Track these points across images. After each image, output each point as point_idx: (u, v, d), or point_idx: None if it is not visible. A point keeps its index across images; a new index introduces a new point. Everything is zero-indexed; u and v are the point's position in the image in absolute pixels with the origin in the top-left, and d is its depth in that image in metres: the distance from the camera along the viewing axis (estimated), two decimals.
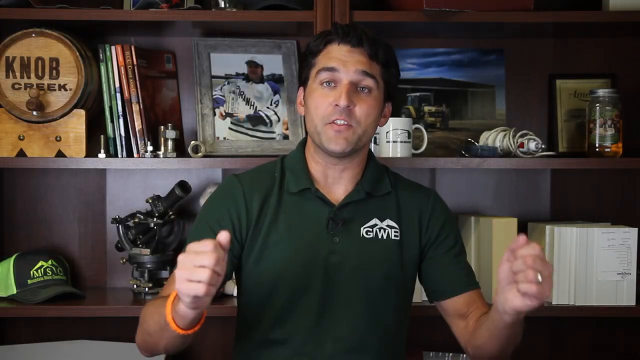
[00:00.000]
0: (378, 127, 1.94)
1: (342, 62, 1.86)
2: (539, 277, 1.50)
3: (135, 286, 2.56)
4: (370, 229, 1.92)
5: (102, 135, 2.46)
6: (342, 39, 1.87)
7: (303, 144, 1.99)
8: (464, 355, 2.61)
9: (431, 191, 2.03)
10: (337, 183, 1.94)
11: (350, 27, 1.89)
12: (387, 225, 1.94)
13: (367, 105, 1.86)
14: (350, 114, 1.84)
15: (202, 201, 2.57)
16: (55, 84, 2.42)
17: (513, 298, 1.55)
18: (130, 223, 2.59)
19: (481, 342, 1.84)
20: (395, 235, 1.93)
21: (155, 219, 2.56)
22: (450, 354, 2.61)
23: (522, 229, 2.58)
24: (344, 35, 1.87)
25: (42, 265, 2.51)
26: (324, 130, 1.86)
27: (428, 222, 1.96)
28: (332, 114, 1.84)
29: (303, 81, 1.94)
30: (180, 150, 2.56)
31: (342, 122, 1.84)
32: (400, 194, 1.98)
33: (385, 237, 1.93)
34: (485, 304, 1.94)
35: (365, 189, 1.93)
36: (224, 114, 2.59)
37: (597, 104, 2.52)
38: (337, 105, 1.83)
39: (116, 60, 2.48)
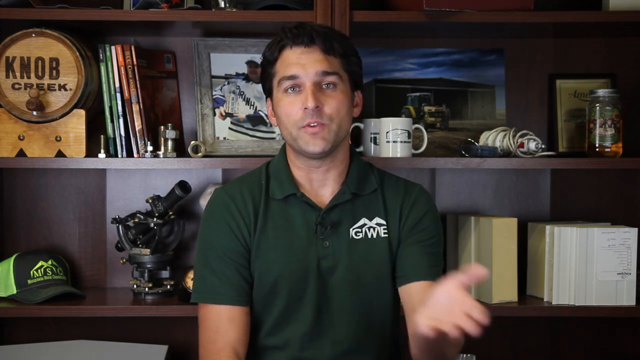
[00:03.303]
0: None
1: (300, 66, 1.84)
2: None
3: (135, 286, 2.56)
4: (360, 230, 1.92)
5: (102, 135, 2.46)
6: (293, 41, 1.86)
7: (285, 149, 1.97)
8: (464, 355, 2.60)
9: (417, 185, 2.00)
10: (322, 186, 1.93)
11: (300, 27, 1.87)
12: (376, 224, 1.92)
13: (335, 100, 1.85)
14: (321, 114, 1.83)
15: (202, 201, 2.57)
16: (55, 84, 2.42)
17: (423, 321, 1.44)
18: (130, 223, 2.59)
19: (413, 353, 1.83)
20: (384, 233, 1.92)
21: (155, 219, 2.56)
22: None
23: (522, 229, 2.58)
24: (295, 37, 1.86)
25: (42, 265, 2.51)
26: (299, 135, 1.85)
27: (408, 212, 1.93)
28: (303, 118, 1.84)
29: (268, 92, 1.93)
30: (180, 150, 2.55)
31: (315, 124, 1.83)
32: (387, 191, 1.96)
33: (374, 236, 1.92)
34: None
35: (351, 189, 1.92)
36: (224, 114, 2.59)
37: (597, 104, 2.52)
38: (306, 108, 1.83)
39: (116, 60, 2.48)
